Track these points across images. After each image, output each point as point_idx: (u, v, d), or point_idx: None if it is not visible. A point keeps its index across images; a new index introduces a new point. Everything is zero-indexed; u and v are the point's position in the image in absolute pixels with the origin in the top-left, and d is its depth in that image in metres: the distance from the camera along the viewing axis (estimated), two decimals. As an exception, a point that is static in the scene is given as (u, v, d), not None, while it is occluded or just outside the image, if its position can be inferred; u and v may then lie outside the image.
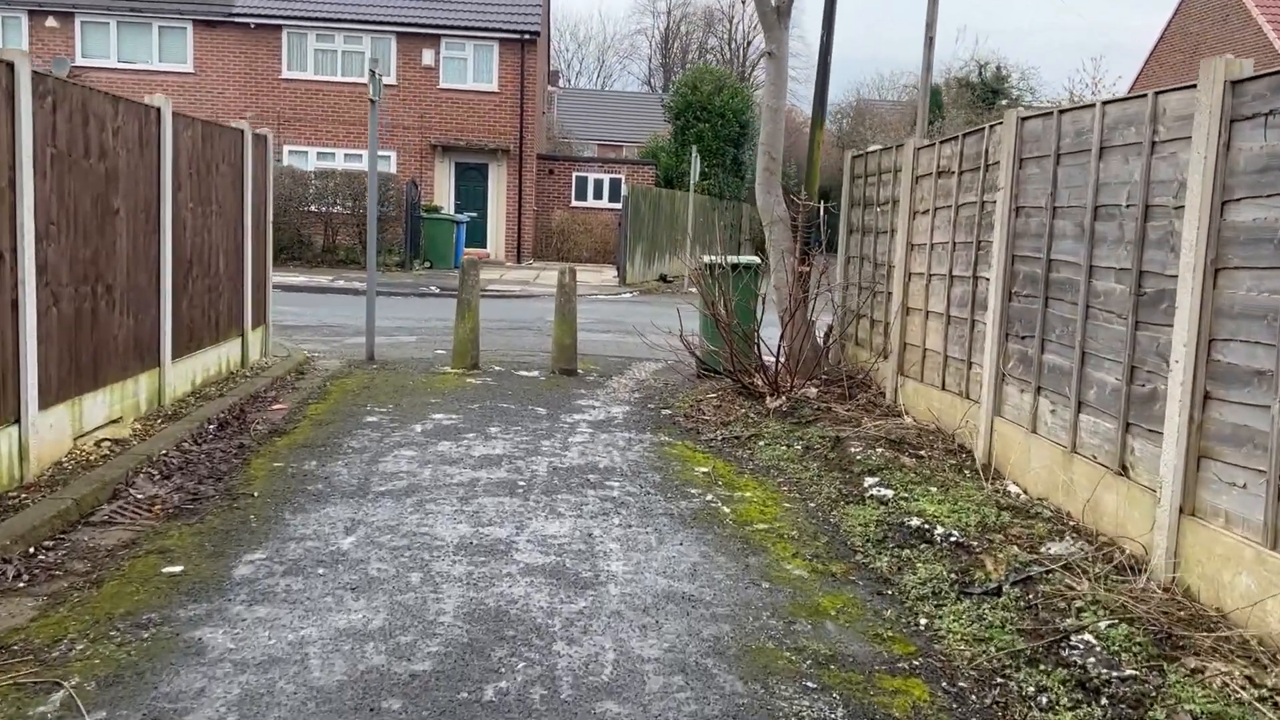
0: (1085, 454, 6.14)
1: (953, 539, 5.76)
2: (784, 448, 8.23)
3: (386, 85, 29.24)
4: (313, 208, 25.36)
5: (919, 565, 5.47)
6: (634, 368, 12.58)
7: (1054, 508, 6.35)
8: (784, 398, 9.59)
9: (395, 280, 22.98)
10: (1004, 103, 43.02)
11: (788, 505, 6.73)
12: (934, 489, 6.71)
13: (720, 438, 8.73)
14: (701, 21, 68.23)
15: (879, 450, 7.50)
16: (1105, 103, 6.12)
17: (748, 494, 6.97)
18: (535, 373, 11.71)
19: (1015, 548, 5.56)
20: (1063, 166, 6.61)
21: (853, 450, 7.54)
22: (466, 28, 29.22)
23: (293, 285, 21.07)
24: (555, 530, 5.96)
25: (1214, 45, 34.38)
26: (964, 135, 8.39)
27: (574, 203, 33.09)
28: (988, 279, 7.64)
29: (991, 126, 7.86)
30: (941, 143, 8.94)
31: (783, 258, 10.86)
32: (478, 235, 29.97)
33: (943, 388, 8.56)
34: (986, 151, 7.86)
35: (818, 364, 10.35)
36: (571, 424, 9.03)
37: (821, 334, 11.20)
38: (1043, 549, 5.58)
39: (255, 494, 6.41)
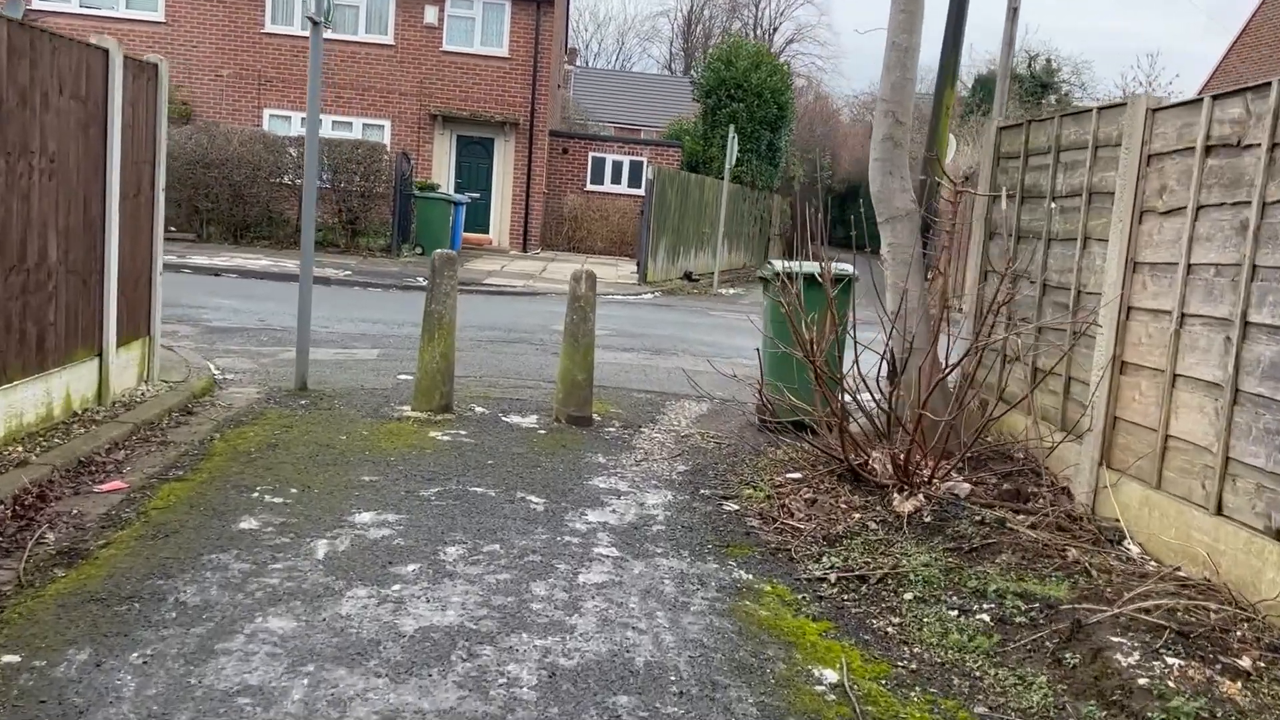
0: None
1: None
2: (954, 613, 4.72)
3: (383, 45, 25.76)
4: (287, 179, 21.77)
5: None
6: (669, 410, 9.07)
7: None
8: (920, 495, 6.08)
9: (376, 269, 19.45)
10: (1054, 98, 39.61)
11: (1038, 815, 3.23)
12: (1344, 792, 3.22)
13: (832, 573, 5.21)
14: (726, 4, 64.34)
15: (1171, 661, 3.97)
16: None
17: (940, 767, 3.47)
18: (532, 419, 8.19)
19: None
20: None
21: (1119, 658, 4.00)
22: (475, -18, 25.63)
23: (251, 271, 17.57)
24: None
25: (1310, 38, 30.78)
26: (1281, 82, 4.86)
27: (589, 186, 29.44)
28: (1370, 340, 4.14)
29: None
30: (1216, 98, 5.40)
31: (907, 270, 7.31)
32: (479, 219, 26.41)
33: (1218, 511, 5.04)
34: (1356, 106, 4.34)
35: (957, 436, 6.80)
36: (584, 536, 5.53)
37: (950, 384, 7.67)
38: None
39: (-115, 780, 2.94)
